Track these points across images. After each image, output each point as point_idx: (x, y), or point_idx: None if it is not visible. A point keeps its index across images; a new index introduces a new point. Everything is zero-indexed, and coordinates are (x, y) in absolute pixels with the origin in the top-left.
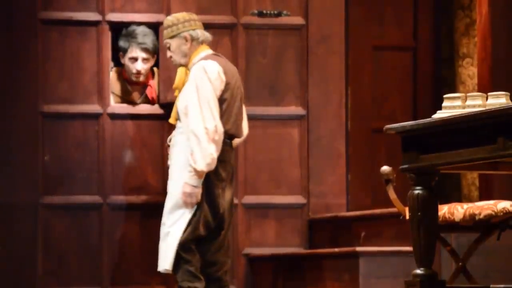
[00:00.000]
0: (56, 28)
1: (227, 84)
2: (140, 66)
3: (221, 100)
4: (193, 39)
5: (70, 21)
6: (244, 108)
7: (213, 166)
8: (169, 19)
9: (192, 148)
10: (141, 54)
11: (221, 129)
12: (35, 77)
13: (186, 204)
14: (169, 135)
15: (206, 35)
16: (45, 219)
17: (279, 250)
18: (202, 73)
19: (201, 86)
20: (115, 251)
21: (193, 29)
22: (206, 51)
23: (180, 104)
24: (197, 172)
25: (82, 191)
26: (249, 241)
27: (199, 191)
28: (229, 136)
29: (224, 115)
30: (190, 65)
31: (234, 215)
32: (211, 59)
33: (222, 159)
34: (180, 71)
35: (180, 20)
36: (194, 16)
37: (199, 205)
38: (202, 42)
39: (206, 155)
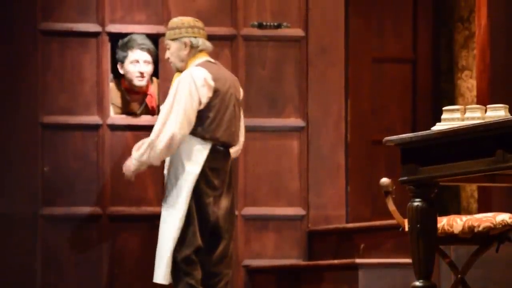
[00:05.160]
0: (56, 39)
1: (216, 91)
2: (143, 67)
3: (209, 107)
4: (192, 46)
5: (70, 32)
6: (242, 118)
7: (150, 161)
8: (174, 21)
9: (146, 140)
10: (143, 56)
11: (177, 137)
12: (35, 88)
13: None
14: None
15: (206, 44)
16: (44, 230)
17: (279, 261)
18: (187, 79)
19: (181, 91)
20: (115, 262)
21: (195, 37)
22: (203, 58)
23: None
24: (136, 161)
25: (81, 202)
26: (249, 252)
27: (133, 169)
28: (221, 144)
29: (213, 122)
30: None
31: None
32: (202, 66)
33: (214, 167)
34: (175, 76)
35: (185, 24)
36: (200, 24)
37: (191, 215)
38: (201, 51)
39: (154, 152)
